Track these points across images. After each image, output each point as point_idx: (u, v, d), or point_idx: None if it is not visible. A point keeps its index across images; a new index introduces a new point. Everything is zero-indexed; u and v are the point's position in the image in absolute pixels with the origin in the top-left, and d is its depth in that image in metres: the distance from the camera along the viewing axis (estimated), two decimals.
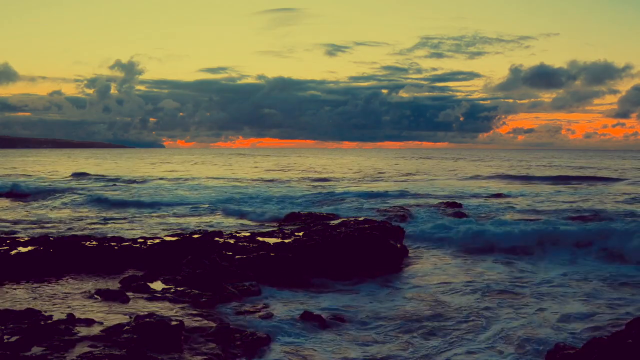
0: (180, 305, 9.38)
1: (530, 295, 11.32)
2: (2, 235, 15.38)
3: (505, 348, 8.30)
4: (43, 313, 8.27)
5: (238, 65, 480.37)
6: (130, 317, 8.14)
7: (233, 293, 10.43)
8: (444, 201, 26.62)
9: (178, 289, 10.32)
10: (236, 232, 16.58)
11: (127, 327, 7.62)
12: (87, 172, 56.17)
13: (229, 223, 21.79)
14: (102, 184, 42.73)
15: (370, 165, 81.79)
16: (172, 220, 22.69)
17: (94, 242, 13.30)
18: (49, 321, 7.83)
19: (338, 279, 12.52)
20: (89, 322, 7.97)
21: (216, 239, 14.18)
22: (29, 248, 12.35)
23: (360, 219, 17.80)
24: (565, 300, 10.95)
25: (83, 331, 7.57)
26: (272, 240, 14.22)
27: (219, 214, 24.66)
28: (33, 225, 20.46)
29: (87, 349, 6.94)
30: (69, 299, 9.58)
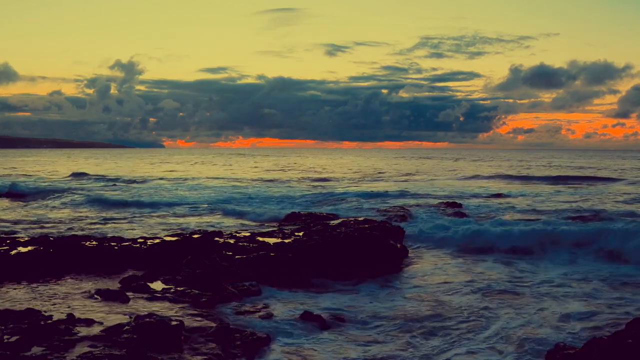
0: (180, 305, 9.38)
1: (530, 295, 11.32)
2: (2, 235, 15.38)
3: (505, 348, 8.30)
4: (43, 313, 8.27)
5: (238, 65, 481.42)
6: (130, 317, 8.14)
7: (233, 293, 10.43)
8: (444, 201, 26.62)
9: (178, 289, 10.32)
10: (236, 232, 16.59)
11: (127, 327, 7.62)
12: (87, 172, 56.17)
13: (229, 223, 21.78)
14: (102, 184, 42.72)
15: (370, 165, 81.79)
16: (172, 220, 22.68)
17: (94, 242, 13.30)
18: (49, 321, 7.82)
19: (338, 279, 12.52)
20: (89, 322, 7.97)
21: (216, 239, 14.18)
22: (29, 248, 12.35)
23: (360, 219, 17.81)
24: (565, 300, 10.94)
25: (83, 331, 7.57)
26: (272, 240, 14.23)
27: (218, 214, 24.66)
28: (33, 225, 20.46)
29: (87, 349, 6.93)
30: (69, 299, 9.58)
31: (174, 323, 7.81)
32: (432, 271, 13.57)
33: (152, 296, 9.83)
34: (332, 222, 18.03)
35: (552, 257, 15.30)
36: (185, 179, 47.47)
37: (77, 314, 8.31)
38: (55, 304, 9.14)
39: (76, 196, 30.55)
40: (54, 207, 27.32)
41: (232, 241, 14.07)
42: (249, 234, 15.78)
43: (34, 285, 10.54)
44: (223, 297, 10.14)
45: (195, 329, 8.16)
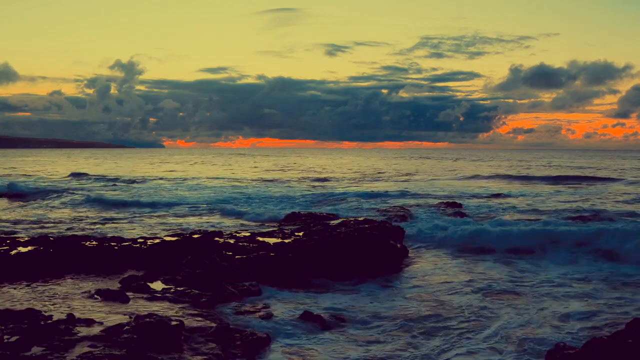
0: (180, 305, 9.37)
1: (530, 295, 11.32)
2: (2, 235, 15.38)
3: (505, 348, 8.30)
4: (43, 313, 8.27)
5: (238, 65, 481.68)
6: (130, 317, 8.13)
7: (233, 293, 10.43)
8: (444, 201, 26.62)
9: (178, 289, 10.32)
10: (236, 232, 16.58)
11: (127, 327, 7.62)
12: (87, 172, 56.19)
13: (228, 223, 21.78)
14: (102, 184, 42.72)
15: (370, 165, 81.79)
16: (172, 220, 22.68)
17: (94, 242, 13.29)
18: (49, 321, 7.82)
19: (338, 279, 12.52)
20: (89, 322, 7.97)
21: (216, 239, 14.18)
22: (29, 248, 12.35)
23: (360, 219, 17.81)
24: (565, 300, 10.95)
25: (83, 331, 7.57)
26: (272, 240, 14.22)
27: (218, 214, 24.65)
28: (33, 225, 20.46)
29: (87, 349, 6.93)
30: (69, 299, 9.58)
31: (174, 323, 7.81)
32: (432, 271, 13.57)
33: (152, 296, 9.83)
34: (332, 222, 18.03)
35: (552, 257, 15.30)
36: (185, 179, 47.46)
37: (77, 314, 8.30)
38: (55, 304, 9.13)
39: (76, 196, 30.56)
40: (53, 207, 27.31)
41: (232, 241, 14.07)
42: (249, 234, 15.78)
43: (34, 285, 10.54)
44: (223, 297, 10.14)
45: (195, 329, 8.15)
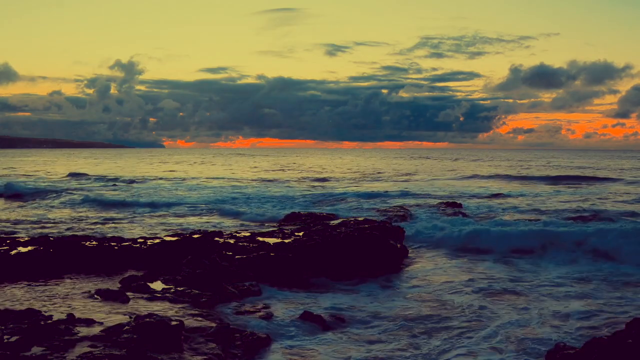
0: (180, 305, 9.37)
1: (530, 295, 11.33)
2: (2, 235, 15.37)
3: (505, 348, 8.30)
4: (43, 313, 8.26)
5: (238, 65, 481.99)
6: (130, 317, 8.13)
7: (233, 293, 10.42)
8: (444, 201, 26.62)
9: (178, 289, 10.31)
10: (236, 232, 16.58)
11: (127, 327, 7.61)
12: (86, 172, 56.18)
13: (228, 223, 21.79)
14: (102, 184, 42.71)
15: (370, 165, 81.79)
16: (172, 220, 22.68)
17: (94, 242, 13.29)
18: (49, 321, 7.81)
19: (338, 279, 12.52)
20: (89, 322, 7.96)
21: (216, 239, 14.18)
22: (29, 248, 12.35)
23: (360, 219, 17.81)
24: (565, 300, 10.95)
25: (83, 331, 7.56)
26: (272, 240, 14.22)
27: (218, 214, 24.66)
28: (33, 225, 20.45)
29: (87, 349, 6.93)
30: (69, 299, 9.57)
31: (174, 323, 7.80)
32: (432, 271, 13.57)
33: (152, 296, 9.82)
34: (332, 222, 18.03)
35: (552, 257, 15.30)
36: (185, 179, 47.45)
37: (77, 314, 8.30)
38: (55, 304, 9.13)
39: (75, 196, 30.55)
40: (52, 207, 27.29)
41: (232, 241, 14.07)
42: (249, 234, 15.78)
43: (34, 285, 10.54)
44: (223, 297, 10.14)
45: (195, 329, 8.15)
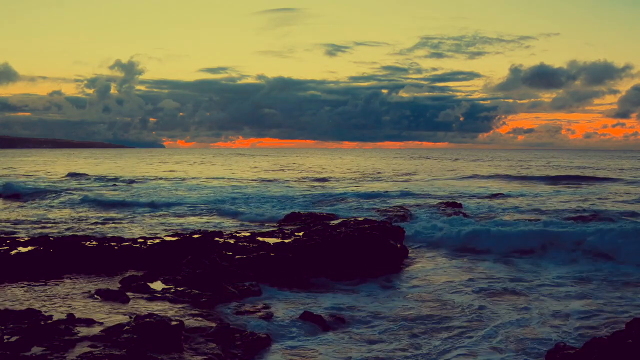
0: (180, 305, 9.37)
1: (530, 295, 11.33)
2: (2, 235, 15.37)
3: (505, 348, 8.30)
4: (43, 313, 8.26)
5: (238, 65, 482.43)
6: (130, 317, 8.13)
7: (233, 293, 10.42)
8: (444, 201, 26.62)
9: (178, 289, 10.31)
10: (236, 232, 16.58)
11: (127, 327, 7.61)
12: (86, 172, 56.17)
13: (228, 223, 21.79)
14: (102, 183, 42.71)
15: (370, 165, 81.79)
16: (172, 220, 22.68)
17: (94, 242, 13.29)
18: (49, 321, 7.81)
19: (338, 279, 12.52)
20: (89, 322, 7.96)
21: (216, 239, 14.18)
22: (29, 248, 12.34)
23: (360, 219, 17.81)
24: (565, 300, 10.95)
25: (83, 331, 7.56)
26: (272, 240, 14.23)
27: (218, 214, 24.65)
28: (33, 225, 20.45)
29: (87, 349, 6.93)
30: (69, 299, 9.57)
31: (174, 323, 7.80)
32: (432, 271, 13.58)
33: (152, 296, 9.82)
34: (332, 222, 18.03)
35: (552, 257, 15.31)
36: (185, 179, 47.46)
37: (77, 314, 8.30)
38: (55, 304, 9.13)
39: (75, 196, 30.55)
40: (52, 207, 27.29)
41: (232, 241, 14.07)
42: (249, 234, 15.78)
43: (34, 285, 10.53)
44: (223, 297, 10.14)
45: (195, 329, 8.15)
